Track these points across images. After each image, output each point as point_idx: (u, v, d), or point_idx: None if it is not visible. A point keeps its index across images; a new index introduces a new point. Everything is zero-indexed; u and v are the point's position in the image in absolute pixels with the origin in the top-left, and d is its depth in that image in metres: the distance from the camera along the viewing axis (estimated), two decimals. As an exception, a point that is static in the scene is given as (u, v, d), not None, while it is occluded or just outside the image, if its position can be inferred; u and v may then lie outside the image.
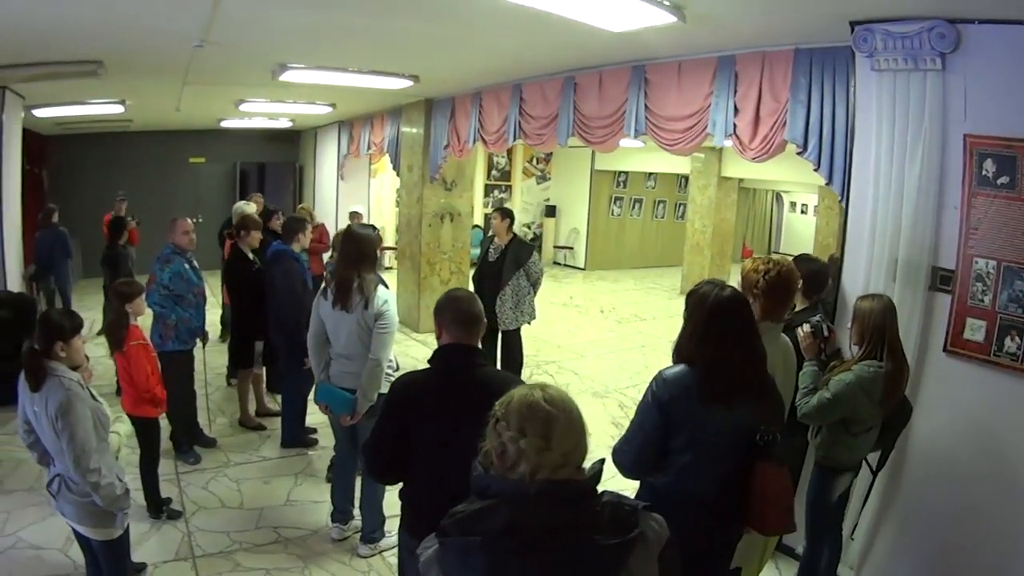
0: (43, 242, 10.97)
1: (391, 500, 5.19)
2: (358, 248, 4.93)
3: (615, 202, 19.99)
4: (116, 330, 5.06)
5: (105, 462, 3.65)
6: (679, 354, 3.21)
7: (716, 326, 3.07)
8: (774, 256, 4.02)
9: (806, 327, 4.27)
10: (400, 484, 3.35)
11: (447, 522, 1.84)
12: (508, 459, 1.85)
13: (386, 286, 5.05)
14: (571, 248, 20.04)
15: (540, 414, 1.85)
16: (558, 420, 1.86)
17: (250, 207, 9.10)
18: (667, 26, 4.97)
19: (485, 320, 3.30)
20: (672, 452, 3.06)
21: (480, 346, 3.29)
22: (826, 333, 4.31)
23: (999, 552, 4.11)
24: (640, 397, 3.16)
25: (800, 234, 23.63)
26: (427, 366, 3.24)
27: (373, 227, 5.61)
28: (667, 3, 4.59)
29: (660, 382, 3.09)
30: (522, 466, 1.83)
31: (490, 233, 8.62)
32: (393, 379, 4.88)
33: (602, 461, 1.95)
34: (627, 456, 3.17)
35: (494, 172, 19.51)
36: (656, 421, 3.05)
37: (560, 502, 1.80)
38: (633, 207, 20.36)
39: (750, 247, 23.85)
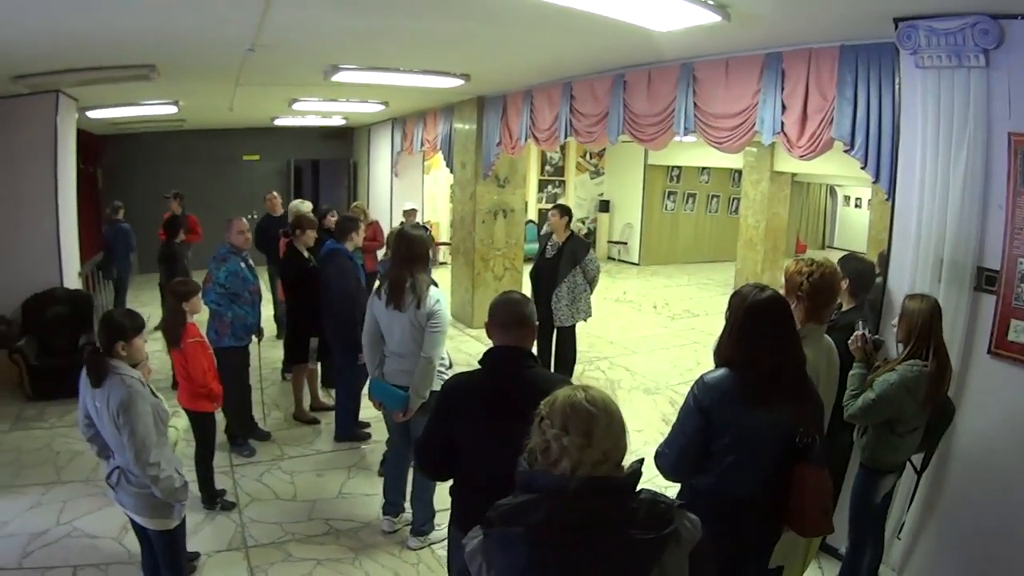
0: (108, 236, 11.64)
1: (441, 494, 5.31)
2: (410, 249, 5.03)
3: (668, 197, 19.89)
4: (173, 328, 5.19)
5: (164, 456, 3.77)
6: (718, 354, 3.26)
7: (753, 327, 3.10)
8: (816, 257, 4.01)
9: (856, 334, 4.27)
10: (451, 481, 3.44)
11: (492, 514, 1.93)
12: (551, 455, 1.94)
13: (435, 285, 5.14)
14: (625, 243, 19.98)
15: (582, 413, 1.95)
16: (599, 419, 1.95)
17: (305, 206, 9.29)
18: (712, 25, 4.98)
19: (537, 323, 3.36)
20: (715, 455, 3.09)
21: (535, 343, 3.35)
22: (872, 346, 4.29)
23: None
24: (689, 396, 3.20)
25: (854, 228, 23.34)
26: (478, 367, 3.32)
27: (425, 228, 5.71)
28: (711, 3, 4.60)
29: (701, 386, 3.13)
30: (564, 462, 1.92)
31: (547, 229, 8.66)
32: (446, 376, 5.00)
33: (641, 461, 2.02)
34: (669, 460, 3.21)
35: (548, 167, 19.52)
36: (698, 424, 3.09)
37: (599, 497, 1.88)
38: (686, 202, 20.24)
39: (804, 242, 23.57)
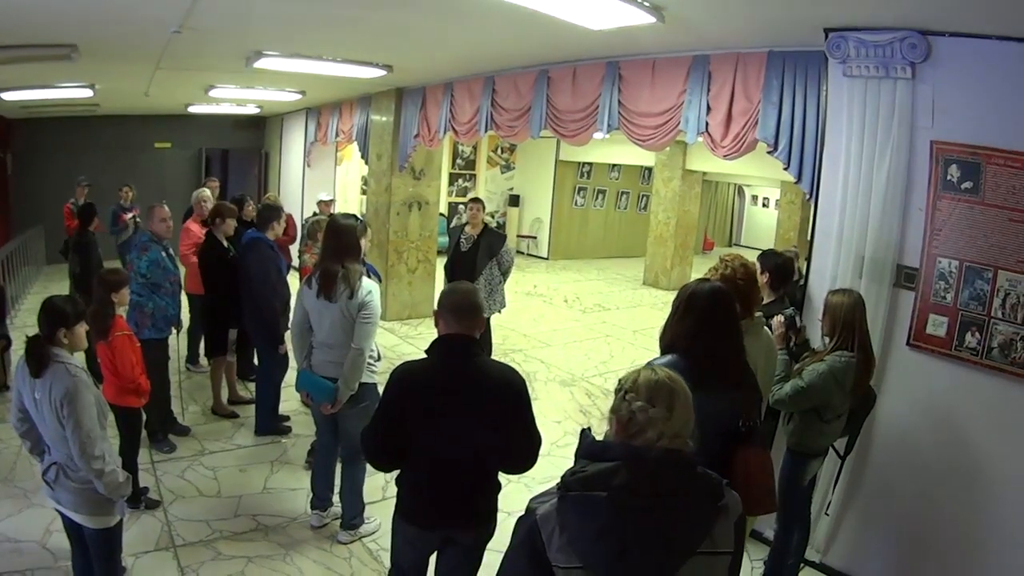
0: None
1: (370, 487, 5.32)
2: (341, 240, 4.95)
3: (578, 192, 20.18)
4: (101, 319, 4.93)
5: (107, 449, 3.63)
6: (662, 337, 3.50)
7: (695, 314, 3.34)
8: (727, 258, 4.20)
9: (779, 318, 4.48)
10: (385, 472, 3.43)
11: (570, 479, 2.03)
12: (635, 426, 2.07)
13: (378, 276, 5.10)
14: (534, 237, 20.18)
15: (666, 388, 2.10)
16: (679, 395, 2.11)
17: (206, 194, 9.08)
18: (646, 26, 5.09)
19: (484, 313, 3.38)
20: None
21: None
22: (798, 325, 4.52)
23: (958, 533, 4.39)
24: (607, 386, 3.32)
25: (761, 227, 24.14)
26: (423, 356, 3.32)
27: (357, 217, 5.63)
28: (647, 4, 4.71)
29: None
30: (649, 432, 2.05)
31: (463, 222, 8.69)
32: (375, 369, 4.99)
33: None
34: None
35: (458, 161, 19.59)
36: None
37: (672, 468, 2.03)
38: (596, 198, 20.58)
39: (712, 239, 24.18)
